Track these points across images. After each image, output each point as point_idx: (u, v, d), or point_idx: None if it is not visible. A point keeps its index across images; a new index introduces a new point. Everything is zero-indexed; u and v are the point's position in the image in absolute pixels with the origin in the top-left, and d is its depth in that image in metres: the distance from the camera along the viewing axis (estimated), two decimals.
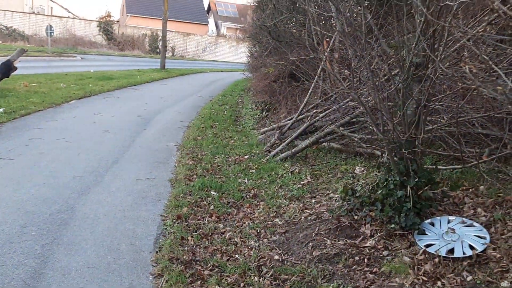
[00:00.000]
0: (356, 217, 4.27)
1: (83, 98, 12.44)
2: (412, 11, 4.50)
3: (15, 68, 11.61)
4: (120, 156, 7.20)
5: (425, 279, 3.39)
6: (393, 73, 4.29)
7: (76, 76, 16.63)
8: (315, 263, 3.88)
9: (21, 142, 7.47)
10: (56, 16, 40.26)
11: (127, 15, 43.82)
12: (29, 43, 31.07)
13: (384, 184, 4.13)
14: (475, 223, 3.82)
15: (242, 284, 3.71)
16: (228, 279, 3.78)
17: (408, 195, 3.94)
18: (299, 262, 3.95)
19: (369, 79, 4.14)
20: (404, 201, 3.94)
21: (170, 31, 36.32)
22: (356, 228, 4.19)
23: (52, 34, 26.13)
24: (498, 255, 3.41)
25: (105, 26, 38.83)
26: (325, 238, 4.22)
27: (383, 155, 4.85)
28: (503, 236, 3.62)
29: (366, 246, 3.94)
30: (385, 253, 3.84)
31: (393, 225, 3.91)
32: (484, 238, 3.60)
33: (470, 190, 4.50)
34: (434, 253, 3.58)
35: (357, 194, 4.40)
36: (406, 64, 3.95)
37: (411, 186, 3.98)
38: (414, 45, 3.86)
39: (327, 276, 3.71)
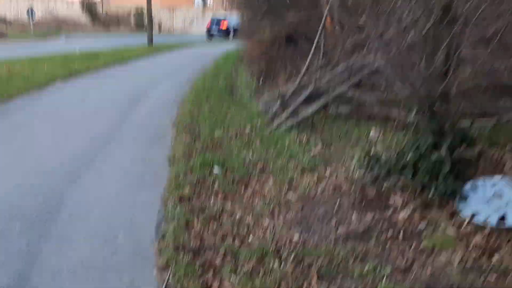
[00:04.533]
0: (383, 187, 3.76)
1: (69, 78, 11.74)
2: None
3: None
4: (112, 136, 6.63)
5: (477, 254, 2.90)
6: (418, 17, 3.71)
7: (61, 57, 15.83)
8: (342, 242, 3.39)
9: (4, 127, 6.87)
10: None
11: None
12: (11, 28, 29.96)
13: (414, 147, 3.60)
14: None
15: (261, 272, 3.21)
16: (244, 266, 3.28)
17: (444, 158, 3.42)
18: (323, 242, 3.46)
19: (389, 27, 3.56)
20: (440, 165, 3.42)
21: (155, 6, 35.17)
22: (384, 199, 3.69)
23: (34, 17, 25.12)
24: None
25: (89, 6, 37.55)
26: (349, 213, 3.72)
27: (409, 115, 4.31)
28: None
29: (399, 219, 3.44)
30: (422, 226, 3.35)
31: (429, 194, 3.41)
32: None
33: (508, 147, 3.99)
34: (483, 223, 3.08)
35: (382, 161, 3.88)
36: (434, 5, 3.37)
37: (447, 147, 3.46)
38: None
39: (359, 256, 3.22)
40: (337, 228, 3.56)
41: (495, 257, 2.82)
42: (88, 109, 8.30)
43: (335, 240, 3.42)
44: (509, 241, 2.93)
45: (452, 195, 3.35)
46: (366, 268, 3.07)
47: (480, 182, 3.46)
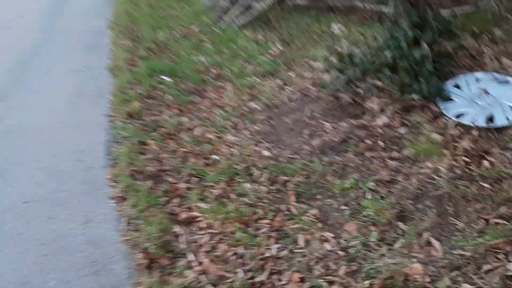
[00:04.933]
0: (358, 90, 3.41)
1: None
2: None
3: None
4: (40, 46, 5.76)
5: (466, 159, 2.69)
6: None
7: None
8: (318, 156, 3.09)
9: None
10: None
11: None
12: None
13: (393, 43, 3.21)
14: (510, 78, 3.07)
15: (233, 195, 2.90)
16: (213, 190, 2.95)
17: (427, 54, 3.06)
18: (297, 157, 3.14)
19: None
20: (423, 62, 3.08)
21: None
22: (360, 104, 3.36)
23: None
24: None
25: None
26: (322, 122, 3.38)
27: (380, 6, 3.84)
28: None
29: (378, 125, 3.15)
30: (403, 130, 3.08)
31: (411, 95, 3.10)
32: None
33: (485, 36, 3.69)
34: (470, 124, 2.84)
35: (356, 61, 3.48)
36: None
37: (428, 42, 3.09)
38: None
39: (338, 170, 2.94)
40: (311, 140, 3.23)
41: (485, 162, 2.63)
42: (5, 15, 7.16)
43: (310, 154, 3.12)
44: (499, 143, 2.73)
45: (437, 95, 3.07)
46: (348, 183, 2.81)
47: (463, 78, 3.19)
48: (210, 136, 3.54)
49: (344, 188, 2.80)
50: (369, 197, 2.70)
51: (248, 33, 5.47)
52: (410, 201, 2.60)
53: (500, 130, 2.80)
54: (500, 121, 2.81)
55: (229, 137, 3.50)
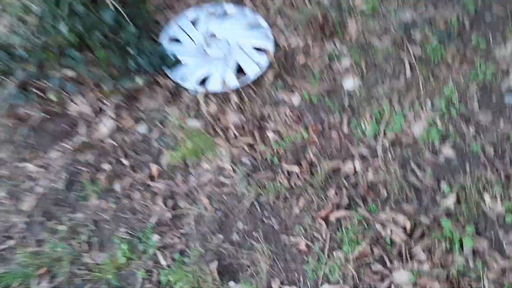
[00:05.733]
0: (48, 95, 2.18)
1: None
2: None
3: None
4: None
5: (247, 139, 2.01)
6: None
7: None
8: (37, 226, 1.91)
9: None
10: None
11: None
12: None
13: (64, 10, 2.04)
14: (227, 6, 2.40)
15: None
16: None
17: (113, 13, 2.07)
18: None
19: None
20: (119, 23, 2.08)
21: None
22: (62, 114, 2.18)
23: None
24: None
25: None
26: (18, 164, 2.10)
27: None
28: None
29: (105, 135, 2.11)
30: (142, 129, 2.14)
31: (129, 77, 2.12)
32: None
33: None
34: (222, 89, 2.12)
35: (20, 52, 2.15)
36: None
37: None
38: None
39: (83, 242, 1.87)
40: (18, 204, 1.97)
41: (270, 134, 2.00)
42: None
43: (24, 230, 1.89)
44: (266, 98, 2.11)
45: (161, 65, 2.16)
46: (115, 258, 1.81)
47: (174, 27, 2.33)
48: None
49: (117, 267, 1.80)
50: (165, 262, 1.80)
51: None
52: (217, 237, 1.83)
53: (257, 81, 2.17)
54: (250, 71, 2.17)
55: None
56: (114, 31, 2.10)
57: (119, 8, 2.09)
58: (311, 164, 1.93)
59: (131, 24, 2.12)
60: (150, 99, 2.18)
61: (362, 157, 1.93)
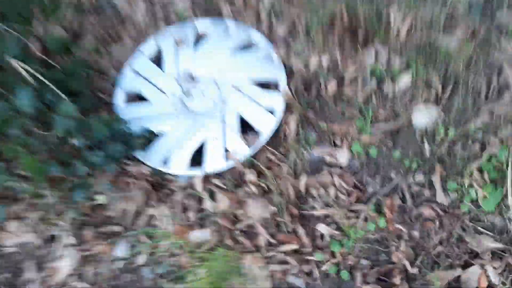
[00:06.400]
0: None
1: None
2: None
3: None
4: None
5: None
6: None
7: None
8: None
9: None
10: None
11: None
12: None
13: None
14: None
15: None
16: None
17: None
18: None
19: None
20: (58, 108, 1.30)
21: None
22: None
23: None
24: None
25: None
26: None
27: None
28: None
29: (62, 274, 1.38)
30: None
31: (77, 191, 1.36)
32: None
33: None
34: (206, 170, 1.38)
35: None
36: None
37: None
38: None
39: None
40: None
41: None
42: None
43: None
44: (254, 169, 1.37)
45: (129, 150, 1.39)
46: None
47: (128, 73, 1.54)
48: None
49: None
50: None
51: None
52: None
53: (275, 137, 1.42)
54: (262, 124, 1.41)
55: None
56: (41, 117, 1.31)
57: (42, 78, 1.30)
58: (408, 278, 1.21)
59: (67, 98, 1.33)
60: (122, 200, 1.43)
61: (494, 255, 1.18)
